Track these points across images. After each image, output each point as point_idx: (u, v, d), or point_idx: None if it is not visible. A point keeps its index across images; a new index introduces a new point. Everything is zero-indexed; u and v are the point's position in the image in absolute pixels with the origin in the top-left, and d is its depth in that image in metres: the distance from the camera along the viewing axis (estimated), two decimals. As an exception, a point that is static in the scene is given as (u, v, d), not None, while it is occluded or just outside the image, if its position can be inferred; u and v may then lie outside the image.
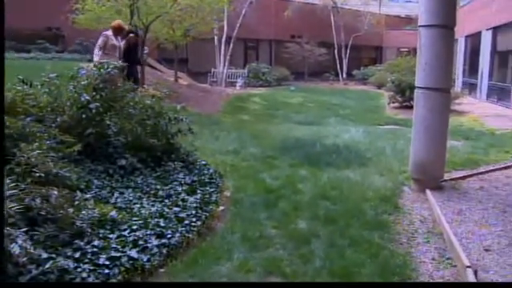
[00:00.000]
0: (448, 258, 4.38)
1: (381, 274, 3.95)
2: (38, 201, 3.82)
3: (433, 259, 4.39)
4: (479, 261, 4.21)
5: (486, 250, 4.45)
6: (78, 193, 4.50)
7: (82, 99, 5.68)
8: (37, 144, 4.49)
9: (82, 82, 5.94)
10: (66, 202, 4.01)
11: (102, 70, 6.08)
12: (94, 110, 5.66)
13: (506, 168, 7.78)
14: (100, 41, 9.39)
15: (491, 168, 7.79)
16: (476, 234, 4.85)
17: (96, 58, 9.11)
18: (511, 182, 6.92)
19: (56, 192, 3.98)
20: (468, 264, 3.93)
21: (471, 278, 3.71)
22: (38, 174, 4.12)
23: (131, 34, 10.68)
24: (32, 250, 3.35)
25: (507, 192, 6.40)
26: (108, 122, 6.12)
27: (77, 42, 21.92)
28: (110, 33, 9.55)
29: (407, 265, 4.20)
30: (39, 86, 6.01)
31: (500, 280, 3.82)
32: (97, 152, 5.83)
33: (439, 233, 5.02)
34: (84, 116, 5.67)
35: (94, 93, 5.85)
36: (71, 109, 5.76)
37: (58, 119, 5.68)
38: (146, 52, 15.24)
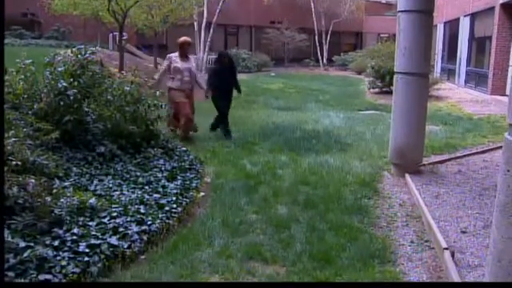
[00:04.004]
0: (426, 241, 4.45)
1: (360, 258, 4.00)
2: (15, 189, 3.77)
3: (411, 242, 4.45)
4: (456, 243, 4.29)
5: (463, 232, 4.53)
6: (57, 181, 4.46)
7: (59, 86, 5.60)
8: (13, 132, 4.42)
9: (59, 69, 5.84)
10: (43, 190, 3.96)
11: (79, 55, 5.98)
12: (71, 97, 5.59)
13: (482, 152, 7.92)
14: (164, 65, 8.49)
15: (468, 152, 7.92)
16: (453, 217, 4.94)
17: (155, 76, 8.51)
18: (488, 165, 7.04)
19: (33, 180, 3.94)
20: (445, 246, 4.00)
21: (448, 260, 3.78)
22: (14, 162, 4.06)
23: (223, 59, 9.08)
24: (10, 239, 3.31)
25: (484, 176, 6.51)
26: (86, 109, 6.05)
27: (53, 28, 21.54)
28: (174, 54, 8.37)
29: (386, 248, 4.26)
30: (14, 73, 5.90)
31: (476, 261, 3.90)
32: (75, 139, 5.76)
33: (418, 216, 5.10)
34: (61, 103, 5.59)
35: (72, 79, 5.77)
36: (48, 96, 5.67)
37: (35, 106, 5.59)
38: (124, 38, 15.03)
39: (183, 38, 8.48)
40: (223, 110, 8.79)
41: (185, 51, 8.32)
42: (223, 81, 8.70)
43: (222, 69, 8.82)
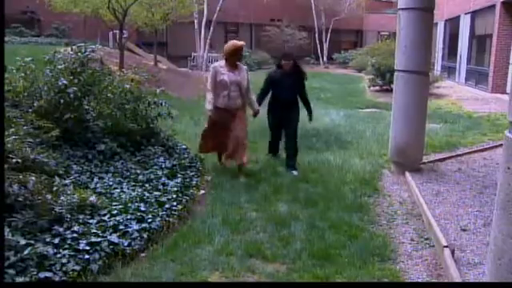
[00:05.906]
0: (426, 239, 4.45)
1: (360, 255, 4.00)
2: (16, 187, 3.77)
3: (412, 240, 4.46)
4: (456, 240, 4.29)
5: (463, 230, 4.54)
6: (57, 178, 4.45)
7: (60, 83, 5.59)
8: (13, 130, 4.42)
9: (59, 66, 5.83)
10: (44, 187, 3.96)
11: (79, 53, 5.98)
12: (71, 95, 5.58)
13: (483, 150, 7.92)
14: (209, 79, 6.25)
15: (469, 150, 7.92)
16: (453, 215, 4.94)
17: (208, 97, 6.17)
18: (488, 163, 7.04)
19: (34, 178, 3.94)
20: (445, 244, 4.00)
21: (448, 258, 3.78)
22: (14, 160, 4.06)
23: (285, 61, 6.70)
24: (10, 237, 3.31)
25: (484, 174, 6.51)
26: (86, 107, 6.04)
27: (53, 25, 21.52)
28: (220, 64, 6.36)
29: (386, 246, 4.26)
30: (14, 71, 5.89)
31: (476, 259, 3.90)
32: (75, 137, 5.76)
33: (418, 214, 5.10)
34: (62, 101, 5.59)
35: (72, 77, 5.76)
36: (48, 93, 5.66)
37: (35, 104, 5.58)
38: (124, 36, 14.99)
39: (240, 43, 6.38)
40: (275, 133, 7.12)
41: (236, 59, 6.35)
42: (283, 91, 6.67)
43: (283, 75, 6.68)
